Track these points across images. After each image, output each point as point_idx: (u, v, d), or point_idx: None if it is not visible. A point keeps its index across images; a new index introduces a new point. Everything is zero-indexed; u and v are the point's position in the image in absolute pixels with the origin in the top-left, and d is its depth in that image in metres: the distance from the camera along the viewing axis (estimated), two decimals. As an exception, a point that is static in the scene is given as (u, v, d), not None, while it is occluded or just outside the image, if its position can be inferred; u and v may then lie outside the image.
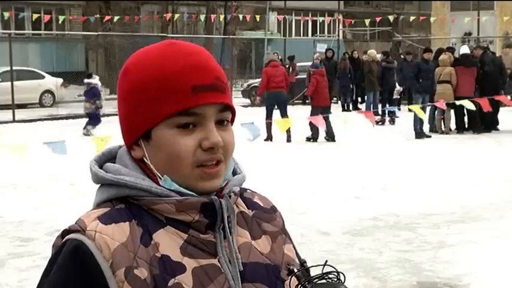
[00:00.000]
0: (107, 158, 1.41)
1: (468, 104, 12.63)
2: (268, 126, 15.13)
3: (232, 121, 1.37)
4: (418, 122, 15.38)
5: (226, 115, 1.34)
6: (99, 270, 1.25)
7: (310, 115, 14.25)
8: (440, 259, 6.74)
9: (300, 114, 16.85)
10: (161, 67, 1.31)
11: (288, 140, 15.12)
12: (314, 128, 14.97)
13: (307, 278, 1.30)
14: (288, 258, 1.42)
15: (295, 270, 1.34)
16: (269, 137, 15.11)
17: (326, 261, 1.33)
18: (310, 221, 8.12)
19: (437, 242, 7.31)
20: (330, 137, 14.97)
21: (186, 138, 1.30)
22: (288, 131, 14.94)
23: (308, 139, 15.19)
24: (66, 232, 1.31)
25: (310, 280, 1.28)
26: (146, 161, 1.34)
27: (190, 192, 1.31)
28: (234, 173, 1.43)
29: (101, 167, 1.38)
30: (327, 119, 14.41)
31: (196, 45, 1.39)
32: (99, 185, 1.38)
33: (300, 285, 1.30)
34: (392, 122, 18.54)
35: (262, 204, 1.48)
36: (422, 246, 7.21)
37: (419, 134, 15.57)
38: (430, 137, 15.68)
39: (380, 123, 17.99)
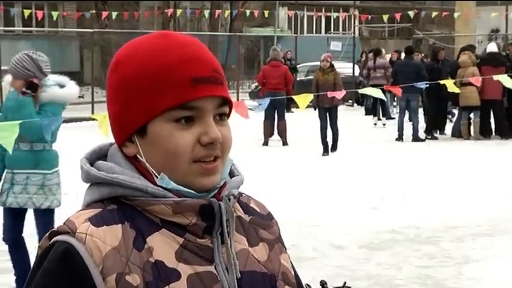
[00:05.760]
0: (98, 155, 1.42)
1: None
2: (266, 129, 15.30)
3: (228, 115, 1.39)
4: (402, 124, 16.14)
5: (225, 109, 1.37)
6: (89, 276, 1.27)
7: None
8: (465, 275, 6.72)
9: (299, 118, 16.86)
10: (157, 58, 1.33)
11: (284, 143, 15.46)
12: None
13: None
14: (285, 269, 1.45)
15: None
16: (265, 142, 15.28)
17: (345, 282, 1.35)
18: (323, 233, 8.11)
19: (462, 257, 7.29)
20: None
21: (184, 133, 1.32)
22: (284, 135, 15.43)
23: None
24: (54, 233, 1.32)
25: None
26: (141, 158, 1.35)
27: (189, 190, 1.33)
28: (232, 174, 1.44)
29: (91, 165, 1.39)
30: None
31: (190, 36, 1.41)
32: (89, 184, 1.38)
33: None
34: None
35: (258, 210, 1.51)
36: (445, 261, 7.19)
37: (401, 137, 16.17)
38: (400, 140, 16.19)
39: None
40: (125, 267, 1.28)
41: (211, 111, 1.33)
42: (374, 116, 19.92)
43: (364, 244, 7.78)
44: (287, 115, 16.33)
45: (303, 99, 12.39)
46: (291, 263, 1.51)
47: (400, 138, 16.20)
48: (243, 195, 1.51)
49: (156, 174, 1.34)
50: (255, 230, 1.45)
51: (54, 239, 1.31)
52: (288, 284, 1.44)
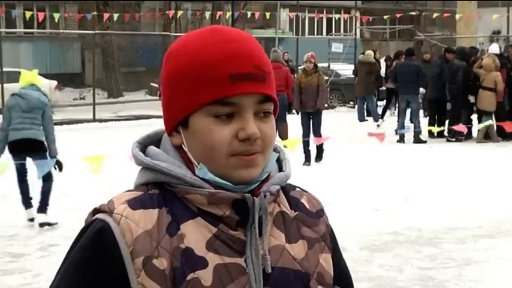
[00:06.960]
0: (152, 140, 1.49)
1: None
2: None
3: (275, 112, 1.42)
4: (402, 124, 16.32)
5: (267, 106, 1.39)
6: (120, 255, 1.34)
7: None
8: (466, 277, 6.72)
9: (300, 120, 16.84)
10: (200, 54, 1.38)
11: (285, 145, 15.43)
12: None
13: None
14: (322, 269, 1.47)
15: None
16: None
17: None
18: (325, 235, 8.10)
19: (463, 259, 7.29)
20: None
21: (222, 128, 1.36)
22: (285, 137, 15.27)
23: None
24: (96, 210, 1.40)
25: None
26: (184, 148, 1.41)
27: (225, 182, 1.37)
28: (281, 168, 1.49)
29: (145, 148, 1.47)
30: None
31: (242, 31, 1.45)
32: (141, 167, 1.46)
33: None
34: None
35: (308, 207, 1.53)
36: (447, 263, 7.20)
37: (403, 137, 16.23)
38: (402, 142, 16.16)
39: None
40: (154, 250, 1.34)
41: (250, 108, 1.36)
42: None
43: (365, 246, 7.78)
44: (288, 117, 16.33)
45: (292, 143, 12.33)
46: (343, 259, 1.55)
47: (401, 139, 16.20)
48: (297, 189, 1.56)
49: (197, 164, 1.39)
50: (297, 227, 1.48)
51: (96, 216, 1.39)
52: (322, 285, 1.46)
